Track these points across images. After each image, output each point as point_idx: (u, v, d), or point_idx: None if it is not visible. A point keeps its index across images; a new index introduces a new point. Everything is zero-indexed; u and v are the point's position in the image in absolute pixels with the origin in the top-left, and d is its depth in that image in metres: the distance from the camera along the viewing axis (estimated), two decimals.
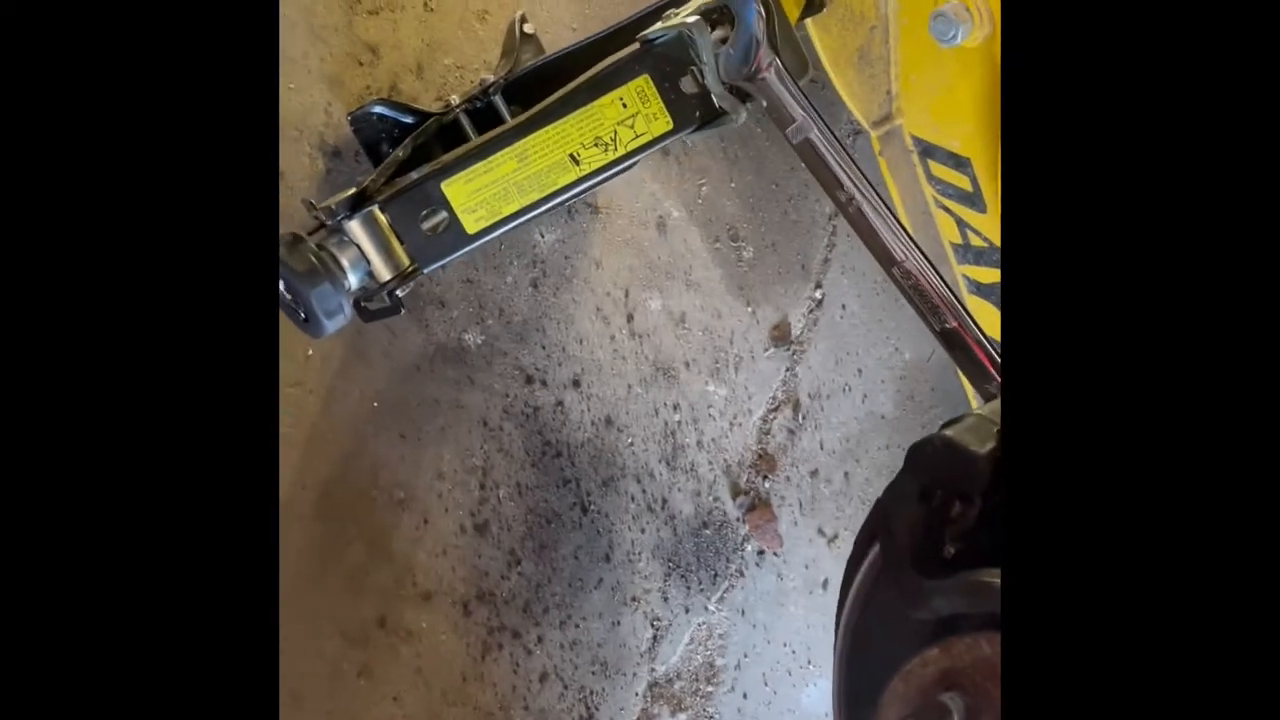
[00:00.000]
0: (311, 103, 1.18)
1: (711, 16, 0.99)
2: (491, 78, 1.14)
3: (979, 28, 1.20)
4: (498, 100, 1.13)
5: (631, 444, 1.54)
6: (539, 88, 1.09)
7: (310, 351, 1.21)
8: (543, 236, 1.39)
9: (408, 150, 1.08)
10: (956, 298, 1.01)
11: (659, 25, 1.01)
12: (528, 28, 1.20)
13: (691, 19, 0.97)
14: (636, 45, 1.03)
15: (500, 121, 1.11)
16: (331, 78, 1.19)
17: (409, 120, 1.14)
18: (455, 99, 1.14)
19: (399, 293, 1.06)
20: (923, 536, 0.84)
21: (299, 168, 1.18)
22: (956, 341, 1.01)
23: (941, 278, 1.00)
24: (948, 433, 0.86)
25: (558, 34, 1.37)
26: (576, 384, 1.46)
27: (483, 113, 1.13)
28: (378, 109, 1.12)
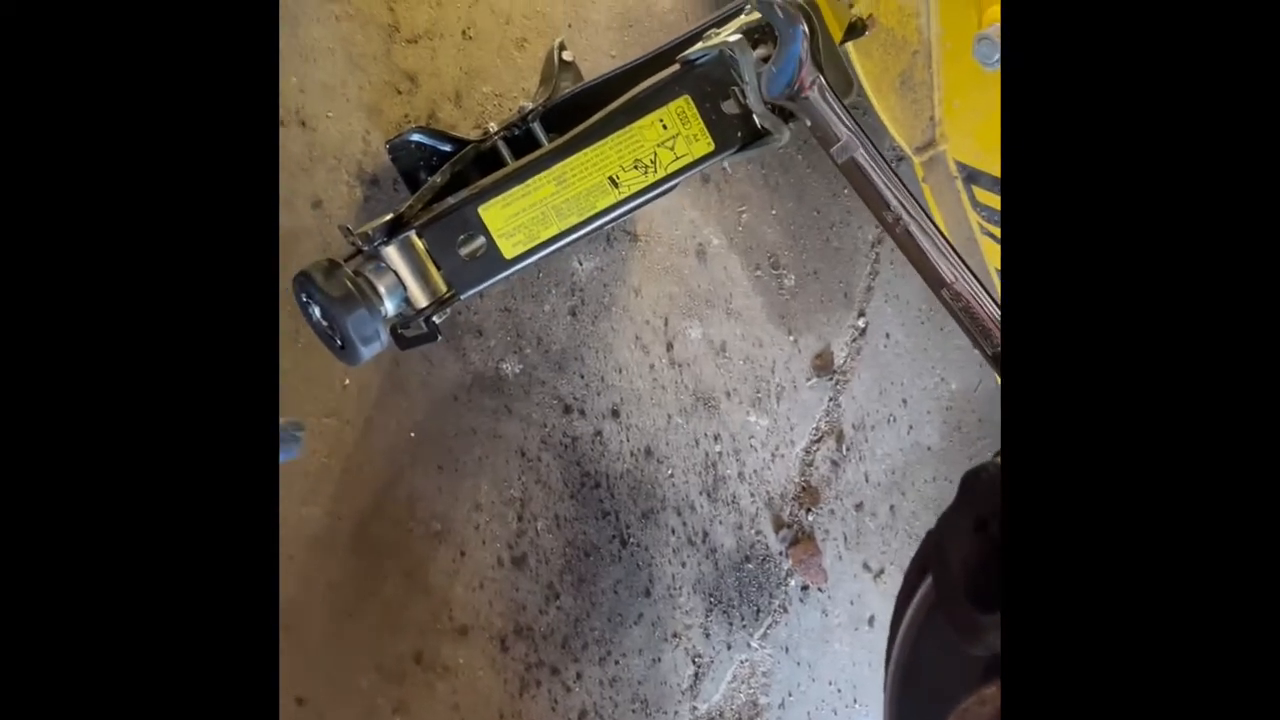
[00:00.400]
0: (350, 131, 1.18)
1: (754, 35, 0.97)
2: (530, 105, 1.13)
3: None
4: (536, 127, 1.12)
5: (671, 475, 1.51)
6: (577, 115, 1.08)
7: (347, 381, 1.20)
8: (581, 264, 1.38)
9: (445, 176, 1.07)
10: None
11: (700, 45, 1.00)
12: (566, 55, 1.19)
13: (733, 38, 0.96)
14: (677, 66, 1.02)
15: (538, 149, 1.10)
16: (370, 106, 1.19)
17: (447, 148, 1.13)
18: (493, 126, 1.14)
19: (436, 319, 1.05)
20: (978, 568, 0.81)
21: (337, 196, 1.17)
22: None
23: (994, 299, 0.97)
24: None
25: (596, 61, 1.37)
26: (615, 414, 1.44)
27: (521, 140, 1.13)
28: (416, 137, 1.12)
